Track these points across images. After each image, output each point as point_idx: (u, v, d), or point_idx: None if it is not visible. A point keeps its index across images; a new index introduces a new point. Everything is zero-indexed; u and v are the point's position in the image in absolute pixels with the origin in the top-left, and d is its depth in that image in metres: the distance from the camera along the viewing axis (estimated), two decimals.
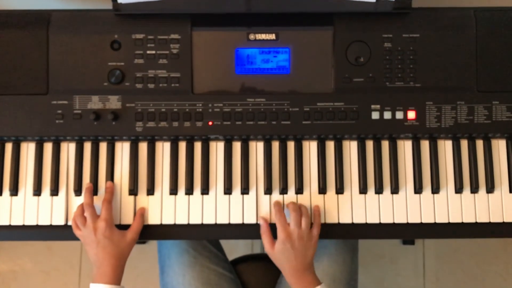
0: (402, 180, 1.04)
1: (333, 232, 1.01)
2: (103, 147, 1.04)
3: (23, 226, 1.02)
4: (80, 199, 1.02)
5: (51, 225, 1.02)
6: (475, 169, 1.03)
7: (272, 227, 0.99)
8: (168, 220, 1.02)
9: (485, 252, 1.81)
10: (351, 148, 1.05)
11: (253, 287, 1.21)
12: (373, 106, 1.02)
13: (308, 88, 1.03)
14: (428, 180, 1.04)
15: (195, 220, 1.02)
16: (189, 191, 1.03)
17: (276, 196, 1.03)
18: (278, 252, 0.96)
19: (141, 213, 1.01)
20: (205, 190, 1.03)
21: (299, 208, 0.99)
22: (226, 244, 1.26)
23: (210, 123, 1.02)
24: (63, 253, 1.81)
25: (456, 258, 1.81)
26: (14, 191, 1.03)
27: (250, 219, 1.02)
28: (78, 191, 1.03)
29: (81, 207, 0.99)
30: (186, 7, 1.01)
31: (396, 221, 1.02)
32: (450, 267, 1.81)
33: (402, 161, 1.04)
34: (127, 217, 1.02)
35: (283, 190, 1.03)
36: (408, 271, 1.81)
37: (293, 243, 0.95)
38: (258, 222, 1.01)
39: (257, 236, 1.04)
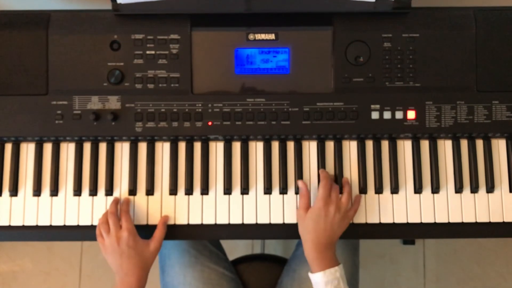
0: (402, 180, 1.04)
1: None
2: (102, 147, 1.04)
3: (23, 227, 1.02)
4: (80, 199, 1.02)
5: (51, 226, 1.02)
6: (475, 169, 1.03)
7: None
8: (168, 220, 1.02)
9: (486, 251, 1.81)
10: (350, 148, 1.05)
11: (253, 286, 1.22)
12: (372, 106, 1.02)
13: (308, 88, 1.03)
14: (428, 180, 1.04)
15: (195, 220, 1.02)
16: (189, 191, 1.03)
17: (275, 196, 1.03)
18: (310, 218, 0.95)
19: (164, 222, 1.00)
20: (204, 190, 1.03)
21: (345, 184, 1.00)
22: (225, 244, 1.26)
23: (210, 123, 1.02)
24: (63, 253, 1.81)
25: (457, 258, 1.81)
26: (14, 191, 1.03)
27: (250, 219, 1.02)
28: (77, 192, 1.03)
29: (106, 216, 0.98)
30: (185, 7, 1.01)
31: (396, 221, 1.02)
32: (450, 267, 1.81)
33: (402, 161, 1.04)
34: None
35: (283, 190, 1.03)
36: (408, 271, 1.81)
37: (329, 213, 0.94)
38: (298, 184, 1.01)
39: (258, 236, 1.04)
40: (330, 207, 0.95)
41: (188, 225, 1.02)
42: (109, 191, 1.03)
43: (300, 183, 1.00)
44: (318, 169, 1.03)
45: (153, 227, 1.02)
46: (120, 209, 0.99)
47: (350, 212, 0.98)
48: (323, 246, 0.94)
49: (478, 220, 1.02)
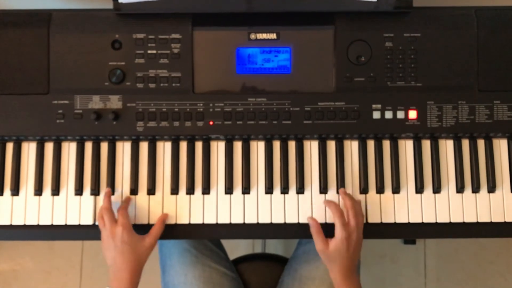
0: (403, 180, 1.04)
1: (334, 233, 1.01)
2: (104, 147, 1.04)
3: (24, 226, 1.02)
4: (82, 199, 1.03)
5: (52, 225, 1.02)
6: (476, 169, 1.03)
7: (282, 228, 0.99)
8: (169, 220, 1.02)
9: (487, 251, 1.81)
10: (352, 147, 1.05)
11: (254, 286, 1.22)
12: (374, 106, 1.02)
13: (309, 88, 1.03)
14: (429, 180, 1.03)
15: (196, 219, 1.02)
16: (190, 190, 1.03)
17: (277, 195, 1.03)
18: (334, 250, 0.95)
19: (163, 219, 1.00)
20: (206, 190, 1.03)
21: (353, 205, 0.97)
22: (226, 243, 1.26)
23: (211, 122, 1.02)
24: (64, 252, 1.82)
25: (457, 258, 1.81)
26: (15, 190, 1.03)
27: (251, 218, 1.02)
28: (79, 191, 1.03)
29: (101, 211, 0.99)
30: (187, 6, 1.01)
31: (397, 221, 1.02)
32: (451, 266, 1.81)
33: (403, 160, 1.04)
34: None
35: (284, 190, 1.03)
36: (409, 270, 1.81)
37: (351, 242, 0.95)
38: (308, 221, 0.99)
39: (259, 235, 1.04)
40: (351, 236, 0.95)
41: (189, 225, 1.02)
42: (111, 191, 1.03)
43: (309, 220, 0.99)
44: (320, 168, 1.03)
45: None
46: (120, 207, 0.99)
47: (359, 223, 0.97)
48: (350, 272, 0.95)
49: (480, 220, 1.02)
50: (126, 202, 1.01)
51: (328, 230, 0.98)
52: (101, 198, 1.03)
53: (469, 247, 1.81)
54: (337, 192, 1.03)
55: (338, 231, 0.95)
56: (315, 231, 0.97)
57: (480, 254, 1.81)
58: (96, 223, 1.01)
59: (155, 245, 0.99)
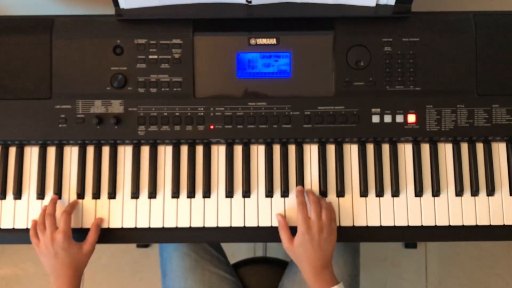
0: (402, 183, 1.04)
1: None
2: (105, 151, 1.05)
3: (27, 230, 1.03)
4: (83, 202, 1.03)
5: None
6: (475, 172, 1.04)
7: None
8: (170, 223, 1.03)
9: (488, 255, 1.81)
10: (351, 151, 1.05)
11: None
12: (373, 110, 1.03)
13: (309, 92, 1.03)
14: (428, 183, 1.04)
15: (197, 223, 1.03)
16: (191, 194, 1.03)
17: (277, 199, 1.03)
18: (298, 246, 0.95)
19: (96, 224, 1.01)
20: (206, 194, 1.03)
21: (318, 200, 0.99)
22: (228, 247, 1.27)
23: (212, 127, 1.03)
24: None
25: (459, 262, 1.81)
26: (18, 194, 1.04)
27: (252, 222, 1.03)
28: (81, 195, 1.04)
29: (43, 215, 0.99)
30: (188, 12, 1.02)
31: (396, 224, 1.03)
32: (452, 270, 1.81)
33: (402, 164, 1.05)
34: (130, 221, 1.03)
35: (284, 193, 1.03)
36: (410, 274, 1.81)
37: (313, 235, 0.94)
38: (276, 217, 1.01)
39: (259, 239, 1.04)
40: (312, 229, 0.95)
41: (190, 228, 1.03)
42: (112, 194, 1.03)
43: (277, 216, 1.00)
44: (319, 172, 1.04)
45: (155, 230, 1.02)
46: (64, 210, 0.99)
47: (332, 224, 0.97)
48: (319, 268, 0.94)
49: (479, 223, 1.03)
50: (70, 207, 1.01)
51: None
52: (103, 201, 1.03)
53: (470, 251, 1.81)
54: (337, 196, 1.04)
55: (299, 224, 0.96)
56: (281, 227, 0.98)
57: (481, 258, 1.81)
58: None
59: (92, 251, 1.00)
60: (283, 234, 0.98)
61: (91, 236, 1.00)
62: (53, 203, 1.00)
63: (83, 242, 0.99)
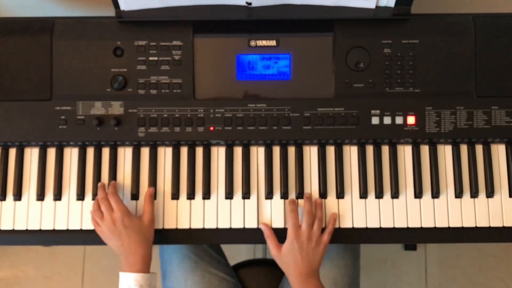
0: (402, 185, 1.04)
1: (334, 236, 1.01)
2: (105, 152, 1.05)
3: (26, 231, 1.03)
4: (83, 204, 1.03)
5: (54, 230, 1.03)
6: (474, 174, 1.04)
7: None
8: (169, 225, 1.03)
9: (487, 257, 1.81)
10: (351, 153, 1.05)
11: None
12: (373, 111, 1.03)
13: (309, 94, 1.04)
14: (428, 185, 1.04)
15: (197, 224, 1.03)
16: (191, 195, 1.04)
17: (277, 200, 1.04)
18: (285, 253, 0.96)
19: (150, 194, 1.01)
20: (206, 195, 1.03)
21: (315, 210, 1.00)
22: (228, 249, 1.27)
23: (212, 128, 1.03)
24: (66, 258, 1.82)
25: (458, 264, 1.81)
26: (18, 195, 1.04)
27: (251, 223, 1.03)
28: (81, 196, 1.04)
29: (97, 203, 0.99)
30: (188, 14, 1.02)
31: (396, 226, 1.03)
32: (452, 272, 1.80)
33: (402, 166, 1.05)
34: None
35: (284, 195, 1.03)
36: (410, 276, 1.80)
37: (302, 244, 0.95)
38: (260, 227, 1.02)
39: (258, 240, 1.04)
40: (301, 238, 0.96)
41: (190, 229, 1.03)
42: None
43: (261, 225, 1.01)
44: (319, 174, 1.04)
45: (155, 231, 1.02)
46: (107, 193, 0.99)
47: (324, 237, 0.98)
48: (305, 276, 0.95)
49: (478, 225, 1.03)
50: (112, 187, 1.01)
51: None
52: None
53: (470, 252, 1.81)
54: (337, 197, 1.04)
55: (289, 232, 0.97)
56: (266, 236, 0.99)
57: (481, 260, 1.80)
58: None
59: (153, 220, 1.00)
60: (270, 242, 0.99)
61: (147, 206, 1.00)
62: (103, 188, 1.00)
63: (141, 215, 0.99)
